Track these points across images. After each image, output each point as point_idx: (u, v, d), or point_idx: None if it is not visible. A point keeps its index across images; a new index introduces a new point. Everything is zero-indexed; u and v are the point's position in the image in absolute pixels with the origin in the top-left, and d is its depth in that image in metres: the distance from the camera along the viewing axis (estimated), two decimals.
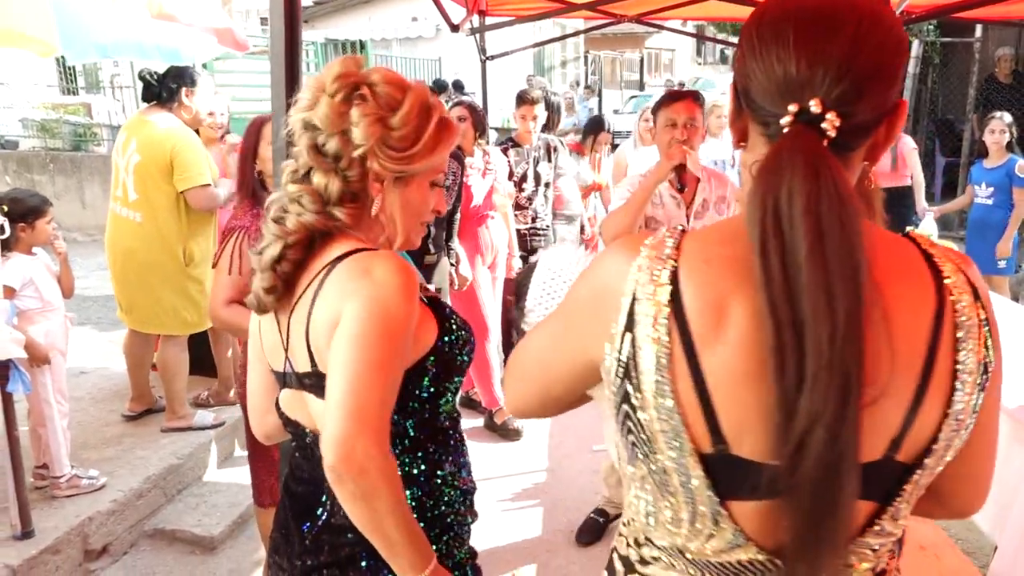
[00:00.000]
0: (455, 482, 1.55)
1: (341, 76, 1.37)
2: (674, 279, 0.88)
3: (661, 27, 7.38)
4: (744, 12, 5.05)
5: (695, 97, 3.14)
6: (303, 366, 1.40)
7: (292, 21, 1.94)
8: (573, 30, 10.72)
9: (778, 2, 0.91)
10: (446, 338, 1.45)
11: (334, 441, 1.23)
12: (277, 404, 1.54)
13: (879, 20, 0.87)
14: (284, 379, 1.49)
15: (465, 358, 1.51)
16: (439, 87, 12.24)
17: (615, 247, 0.96)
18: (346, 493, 1.26)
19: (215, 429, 4.05)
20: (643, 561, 1.02)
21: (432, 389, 1.46)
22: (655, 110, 3.21)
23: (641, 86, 28.96)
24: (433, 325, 1.45)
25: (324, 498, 1.49)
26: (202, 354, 4.55)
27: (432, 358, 1.43)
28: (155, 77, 3.85)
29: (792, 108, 0.85)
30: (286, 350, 1.44)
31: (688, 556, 0.96)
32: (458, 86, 13.20)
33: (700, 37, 13.55)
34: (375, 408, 1.25)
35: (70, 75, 15.55)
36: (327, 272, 1.35)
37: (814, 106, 0.84)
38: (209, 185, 3.82)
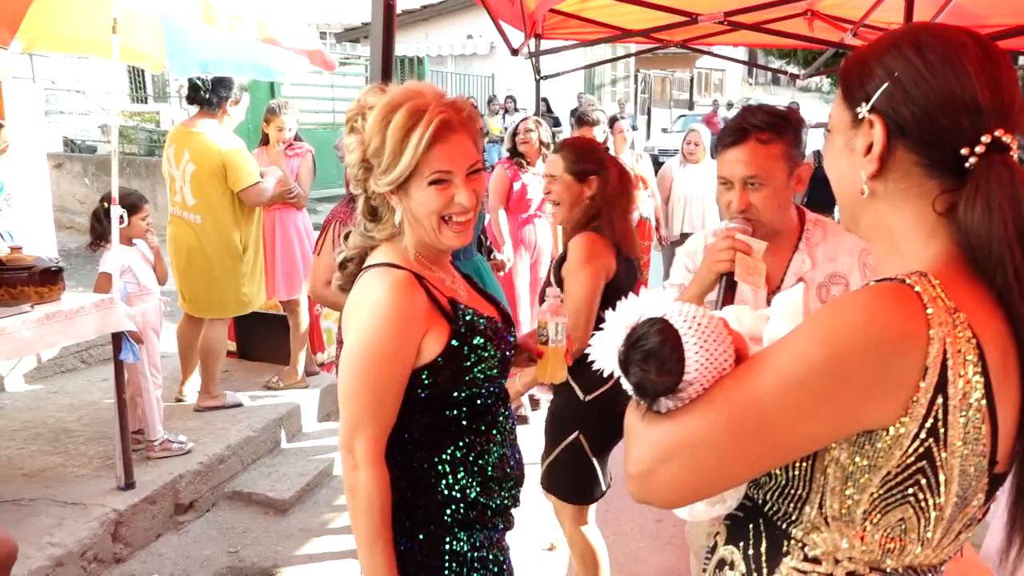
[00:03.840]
0: (462, 483, 1.57)
1: (355, 106, 1.54)
2: (973, 333, 0.88)
3: (710, 53, 7.69)
4: (783, 39, 5.33)
5: (770, 130, 1.83)
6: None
7: (388, 40, 2.36)
8: (624, 51, 11.04)
9: (931, 30, 0.94)
10: (454, 342, 1.49)
11: (340, 437, 1.48)
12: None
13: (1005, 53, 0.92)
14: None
15: (480, 375, 1.52)
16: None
17: (879, 302, 0.90)
18: (344, 483, 1.51)
19: (279, 410, 4.49)
20: None
21: (430, 393, 1.50)
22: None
23: (691, 105, 29.23)
24: (443, 336, 1.49)
25: None
26: (273, 343, 5.03)
27: (427, 370, 1.48)
28: (205, 84, 4.18)
29: (986, 139, 0.88)
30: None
31: (913, 568, 1.01)
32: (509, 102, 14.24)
33: (748, 64, 13.81)
34: (367, 417, 1.44)
35: (140, 84, 16.49)
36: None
37: (1004, 136, 0.88)
38: (259, 182, 4.23)
